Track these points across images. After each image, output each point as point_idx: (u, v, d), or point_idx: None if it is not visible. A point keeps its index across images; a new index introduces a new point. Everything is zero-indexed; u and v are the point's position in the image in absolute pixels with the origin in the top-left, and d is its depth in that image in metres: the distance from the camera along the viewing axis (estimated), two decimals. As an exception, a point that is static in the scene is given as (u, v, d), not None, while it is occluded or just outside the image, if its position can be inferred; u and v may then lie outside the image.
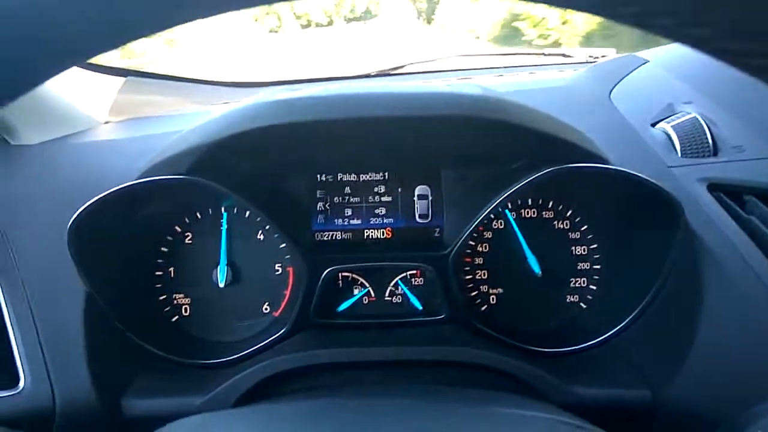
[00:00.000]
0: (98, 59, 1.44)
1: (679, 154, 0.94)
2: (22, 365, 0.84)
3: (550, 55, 1.69)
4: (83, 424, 0.85)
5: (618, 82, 1.16)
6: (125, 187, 0.87)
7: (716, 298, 0.82)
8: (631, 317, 0.93)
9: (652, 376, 0.87)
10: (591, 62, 1.52)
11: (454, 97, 0.87)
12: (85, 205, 0.85)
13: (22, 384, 0.83)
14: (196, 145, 0.88)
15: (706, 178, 0.89)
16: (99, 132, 1.18)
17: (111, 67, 1.44)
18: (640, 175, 0.86)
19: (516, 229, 1.02)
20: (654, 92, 1.08)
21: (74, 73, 1.34)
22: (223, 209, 1.03)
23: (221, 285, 1.00)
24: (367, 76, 1.63)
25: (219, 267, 1.01)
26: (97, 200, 0.85)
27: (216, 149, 0.88)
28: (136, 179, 0.89)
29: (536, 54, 1.74)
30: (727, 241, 0.83)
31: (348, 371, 0.92)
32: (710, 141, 0.94)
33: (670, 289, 0.90)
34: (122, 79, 1.45)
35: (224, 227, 1.02)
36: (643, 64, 1.20)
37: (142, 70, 1.54)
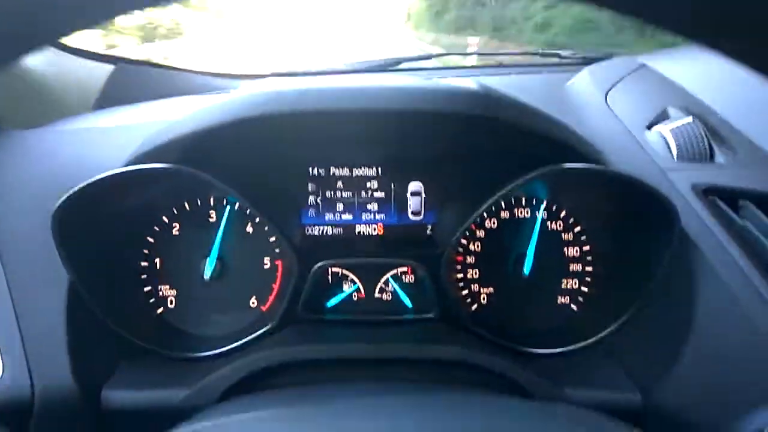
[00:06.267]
0: (88, 45, 1.41)
1: (675, 158, 0.94)
2: (1, 355, 0.82)
3: (544, 55, 1.68)
4: (62, 416, 0.83)
5: (614, 85, 1.15)
6: (111, 174, 0.85)
7: (709, 302, 0.81)
8: (622, 320, 0.92)
9: (642, 380, 0.86)
10: (585, 63, 1.52)
11: (452, 92, 0.86)
12: (70, 192, 0.83)
13: (0, 374, 0.81)
14: (186, 134, 0.86)
15: (701, 182, 0.89)
16: (87, 119, 1.16)
17: (101, 54, 1.42)
18: (635, 177, 0.85)
19: (537, 229, 1.00)
20: (650, 95, 1.08)
21: (63, 59, 1.32)
22: (224, 201, 1.01)
23: (208, 278, 0.99)
24: (360, 71, 1.61)
25: (208, 259, 0.99)
26: (81, 187, 0.83)
27: (205, 139, 0.86)
28: (123, 167, 0.87)
29: (530, 54, 1.74)
30: (721, 246, 0.82)
31: (334, 368, 0.90)
32: (706, 145, 0.93)
33: (662, 292, 0.89)
34: (111, 67, 1.42)
35: (224, 220, 1.00)
36: (640, 67, 1.19)
37: (132, 57, 1.52)
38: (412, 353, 0.90)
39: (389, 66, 1.62)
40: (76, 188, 0.83)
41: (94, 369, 0.87)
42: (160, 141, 0.88)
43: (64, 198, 0.82)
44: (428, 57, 1.74)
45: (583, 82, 1.23)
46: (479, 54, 1.91)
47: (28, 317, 0.84)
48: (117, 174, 0.85)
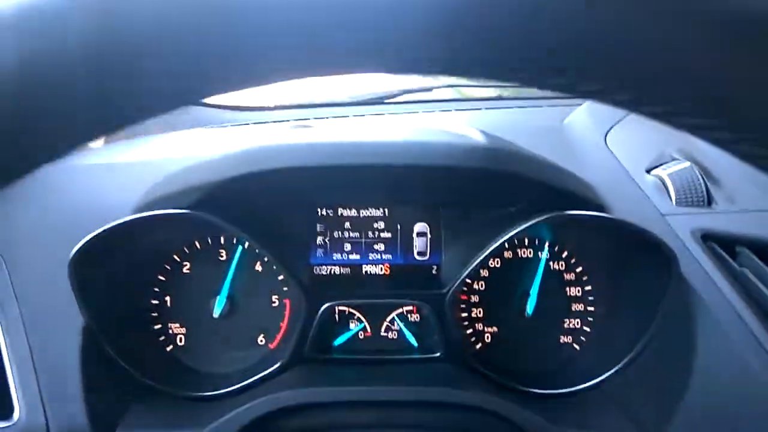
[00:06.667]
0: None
1: (674, 203, 0.97)
2: (17, 396, 0.84)
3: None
4: None
5: (614, 126, 1.18)
6: (125, 221, 0.87)
7: (707, 348, 0.84)
8: (624, 362, 0.94)
9: (644, 423, 0.88)
10: (584, 98, 1.54)
11: (453, 147, 0.89)
12: (87, 238, 0.85)
13: (16, 415, 0.83)
14: (199, 183, 0.89)
15: (699, 227, 0.91)
16: (99, 154, 1.18)
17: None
18: (636, 224, 0.88)
19: (541, 269, 1.03)
20: (650, 137, 1.11)
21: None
22: (234, 240, 1.03)
23: (217, 315, 1.00)
24: (363, 103, 1.64)
25: (218, 297, 1.01)
26: (97, 234, 0.85)
27: (217, 187, 0.89)
28: (139, 211, 0.90)
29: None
30: (719, 292, 0.85)
31: (342, 409, 0.92)
32: (704, 190, 0.96)
33: (663, 336, 0.91)
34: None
35: (235, 259, 1.02)
36: (638, 107, 1.22)
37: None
38: (416, 396, 0.92)
39: (391, 98, 1.65)
40: (92, 235, 0.85)
41: (108, 410, 0.89)
42: (174, 188, 0.91)
43: (80, 245, 0.85)
44: (429, 89, 1.77)
45: (584, 122, 1.25)
46: (480, 86, 1.94)
47: (43, 358, 0.86)
48: (134, 219, 0.88)
